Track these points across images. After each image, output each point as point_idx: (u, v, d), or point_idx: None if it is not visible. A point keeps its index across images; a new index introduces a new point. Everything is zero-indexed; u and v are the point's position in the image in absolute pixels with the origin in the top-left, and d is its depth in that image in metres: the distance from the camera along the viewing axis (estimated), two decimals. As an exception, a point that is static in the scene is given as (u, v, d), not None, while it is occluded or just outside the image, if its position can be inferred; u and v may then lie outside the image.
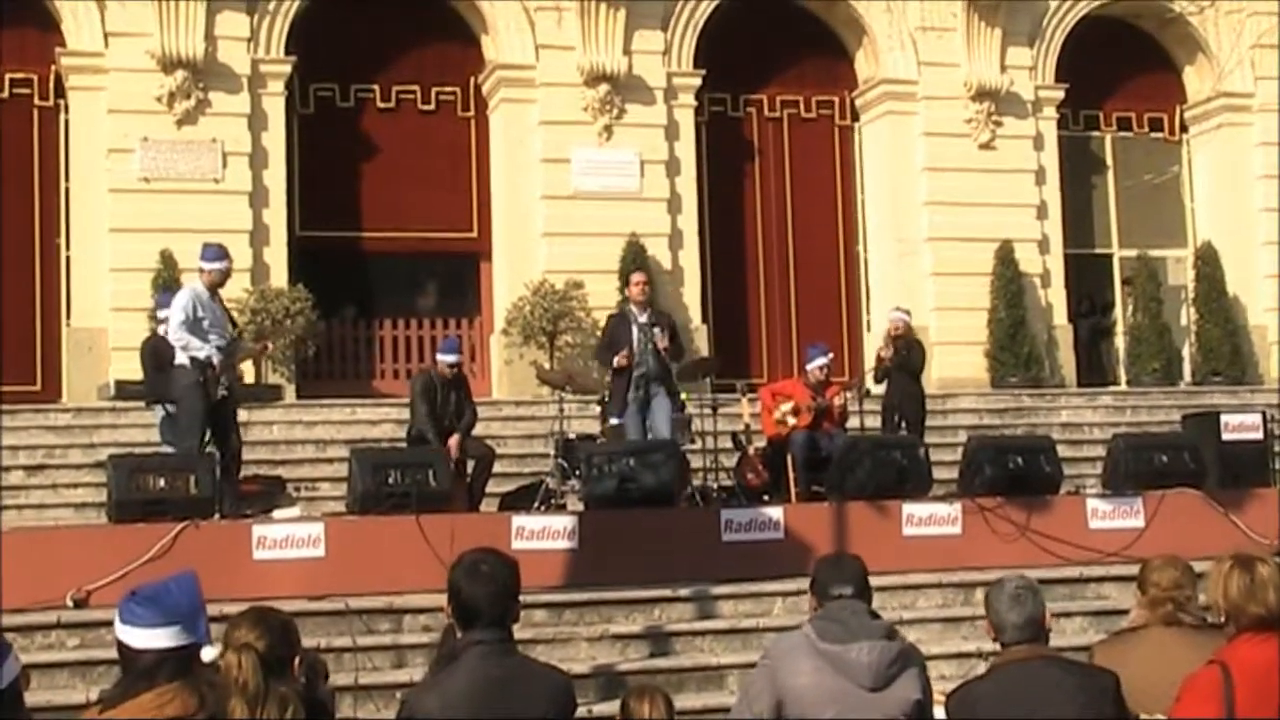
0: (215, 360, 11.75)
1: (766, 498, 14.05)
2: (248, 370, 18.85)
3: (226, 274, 12.35)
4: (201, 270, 12.22)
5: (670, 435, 13.35)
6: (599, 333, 15.86)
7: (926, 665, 5.32)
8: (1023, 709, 4.84)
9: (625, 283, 13.84)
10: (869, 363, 19.96)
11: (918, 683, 5.15)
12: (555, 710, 4.53)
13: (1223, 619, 4.73)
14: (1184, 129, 24.61)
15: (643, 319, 13.42)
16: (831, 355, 15.07)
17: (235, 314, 18.74)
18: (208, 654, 4.31)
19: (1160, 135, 24.60)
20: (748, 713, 5.21)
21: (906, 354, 15.61)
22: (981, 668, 8.88)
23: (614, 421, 13.74)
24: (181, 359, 11.91)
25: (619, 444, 13.21)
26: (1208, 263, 23.35)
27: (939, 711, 5.21)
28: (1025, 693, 4.88)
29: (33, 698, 8.37)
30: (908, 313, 16.25)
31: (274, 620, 4.15)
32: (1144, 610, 5.52)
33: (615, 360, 13.57)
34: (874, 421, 15.89)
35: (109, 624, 10.59)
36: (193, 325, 11.83)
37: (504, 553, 4.78)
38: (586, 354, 14.05)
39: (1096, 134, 24.32)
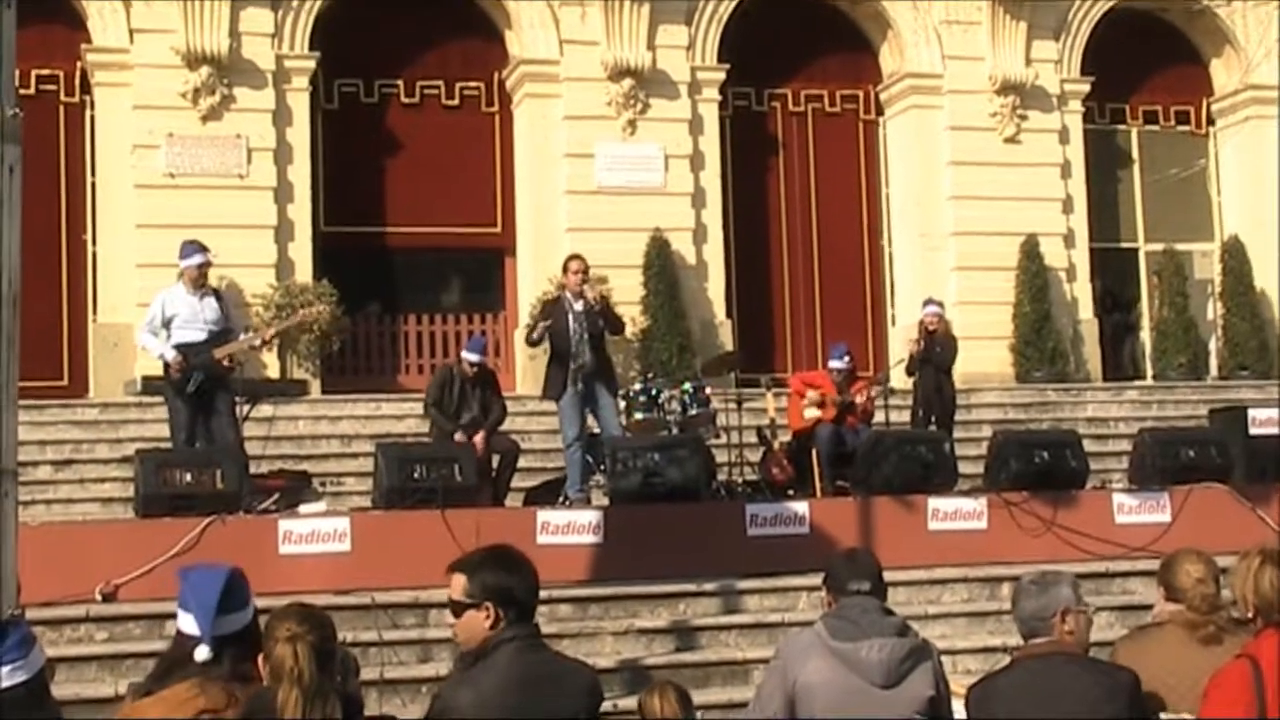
0: (169, 357, 11.92)
1: (791, 492, 14.03)
2: (272, 365, 18.93)
3: (201, 267, 12.49)
4: (181, 271, 12.45)
5: (619, 432, 13.25)
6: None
7: (941, 659, 5.32)
8: (1038, 705, 4.85)
9: (563, 270, 13.65)
10: (894, 357, 19.96)
11: (931, 678, 5.16)
12: (586, 706, 4.53)
13: (1250, 614, 4.71)
14: (1211, 122, 24.49)
15: (578, 307, 13.16)
16: (848, 358, 14.97)
17: (260, 309, 18.91)
18: (201, 653, 4.32)
19: (1187, 128, 24.48)
20: (760, 713, 5.21)
21: (938, 349, 15.58)
22: (1006, 662, 8.85)
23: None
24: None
25: (644, 439, 13.21)
26: (1235, 257, 23.24)
27: (958, 706, 5.22)
28: (1041, 689, 4.89)
29: (61, 691, 8.41)
30: (941, 305, 16.19)
31: (320, 616, 4.14)
32: (1167, 606, 5.50)
33: (532, 333, 13.67)
34: (899, 416, 15.86)
35: (137, 618, 10.72)
36: (156, 328, 12.19)
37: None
38: (611, 349, 14.03)
39: (1122, 127, 24.22)
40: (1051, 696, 4.85)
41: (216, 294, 12.70)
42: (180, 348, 12.15)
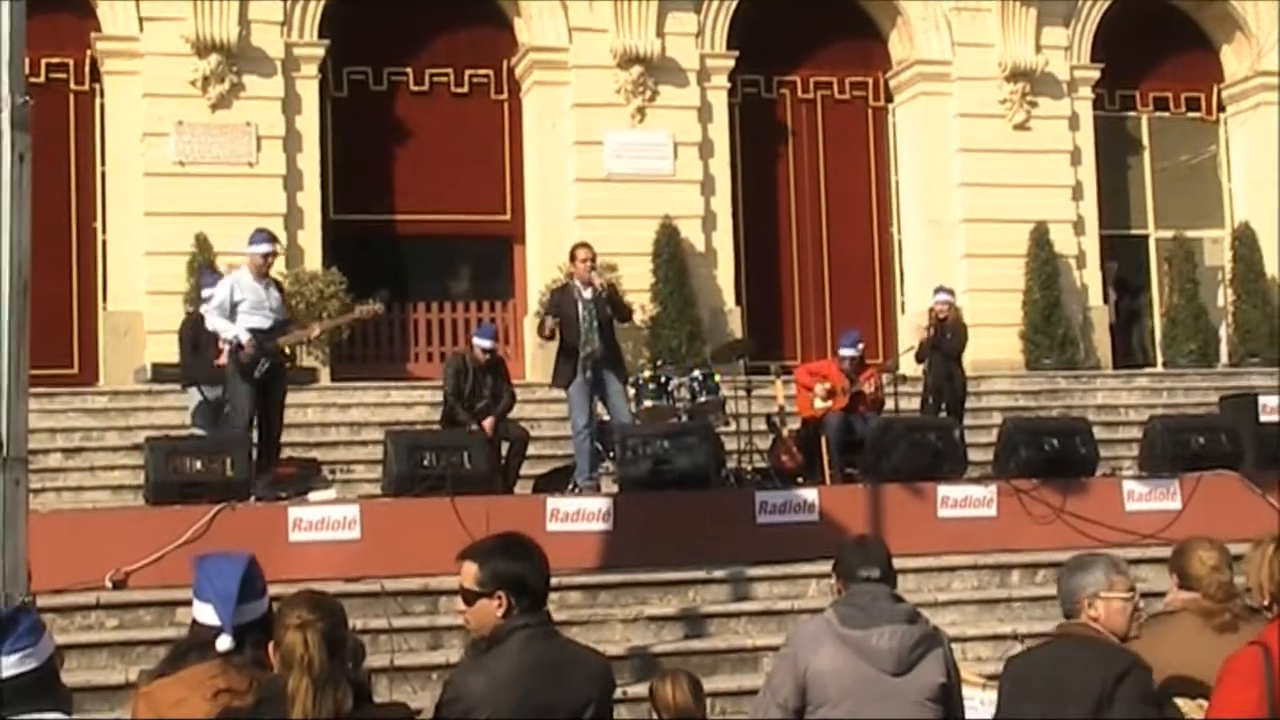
0: (243, 339, 11.90)
1: (801, 480, 14.04)
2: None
3: (268, 257, 12.53)
4: (250, 257, 12.42)
5: (628, 419, 13.25)
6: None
7: (951, 647, 5.33)
8: (1042, 685, 4.93)
9: (571, 258, 13.59)
10: (903, 344, 19.94)
11: (942, 665, 5.17)
12: (598, 693, 4.52)
13: (1265, 601, 4.69)
14: (1221, 109, 24.41)
15: (587, 295, 13.17)
16: (862, 346, 14.99)
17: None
18: (223, 643, 4.33)
19: (1197, 115, 24.40)
20: (771, 701, 5.21)
21: (948, 337, 15.56)
22: (1017, 649, 8.86)
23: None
24: (223, 345, 12.24)
25: (653, 426, 13.21)
26: (1245, 243, 23.19)
27: (969, 693, 5.24)
28: (1048, 669, 4.97)
29: (72, 678, 8.44)
30: (951, 293, 16.19)
31: (330, 603, 4.14)
32: (1180, 594, 5.47)
33: (544, 328, 13.44)
34: (908, 404, 15.85)
35: (148, 605, 10.75)
36: (226, 310, 12.11)
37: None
38: (621, 336, 14.03)
39: (1132, 114, 24.15)
40: (1054, 678, 4.91)
41: (277, 284, 12.73)
42: (249, 332, 12.16)
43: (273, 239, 12.64)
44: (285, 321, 12.61)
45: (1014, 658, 5.30)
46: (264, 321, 12.16)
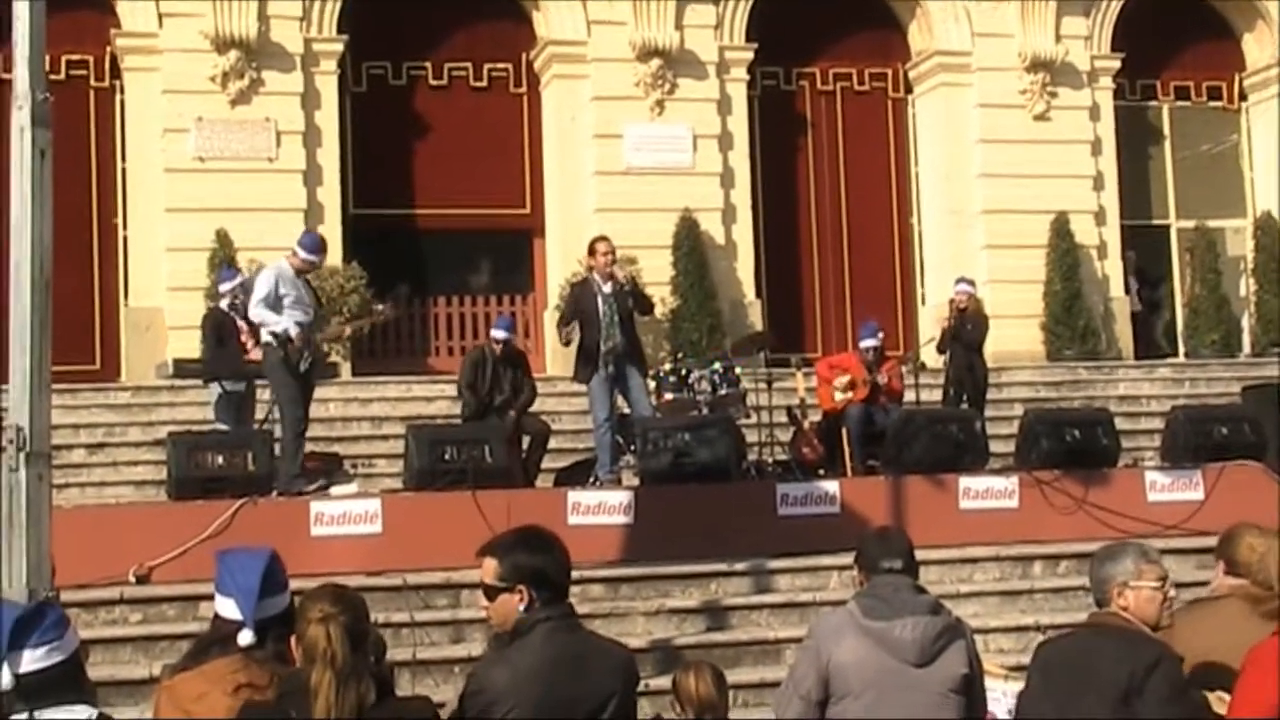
0: (293, 333, 11.88)
1: (822, 472, 14.02)
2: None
3: (315, 267, 12.63)
4: (294, 253, 12.36)
5: (649, 412, 13.21)
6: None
7: (974, 638, 5.32)
8: (1066, 674, 4.94)
9: (590, 251, 13.43)
10: (924, 336, 19.90)
11: (964, 656, 5.16)
12: (621, 685, 4.52)
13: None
14: (1243, 97, 24.30)
15: (607, 289, 13.05)
16: (882, 335, 14.99)
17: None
18: (245, 637, 4.34)
19: (1219, 104, 24.30)
20: (794, 693, 5.21)
21: (969, 328, 15.53)
22: (1039, 640, 8.83)
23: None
24: (265, 337, 12.17)
25: (674, 419, 13.21)
26: (1267, 233, 23.10)
27: (991, 684, 5.22)
28: (1072, 657, 4.97)
29: (96, 672, 8.47)
30: (972, 283, 16.16)
31: (352, 597, 4.15)
32: (1226, 580, 5.42)
33: (562, 336, 13.29)
34: (930, 395, 15.82)
35: (171, 599, 10.77)
36: (272, 303, 12.03)
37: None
38: (641, 330, 14.02)
39: (1154, 104, 24.06)
40: (1079, 667, 4.92)
41: (308, 283, 12.73)
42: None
43: (326, 248, 12.69)
44: (318, 318, 12.66)
45: (1042, 644, 5.29)
46: (305, 316, 12.17)
